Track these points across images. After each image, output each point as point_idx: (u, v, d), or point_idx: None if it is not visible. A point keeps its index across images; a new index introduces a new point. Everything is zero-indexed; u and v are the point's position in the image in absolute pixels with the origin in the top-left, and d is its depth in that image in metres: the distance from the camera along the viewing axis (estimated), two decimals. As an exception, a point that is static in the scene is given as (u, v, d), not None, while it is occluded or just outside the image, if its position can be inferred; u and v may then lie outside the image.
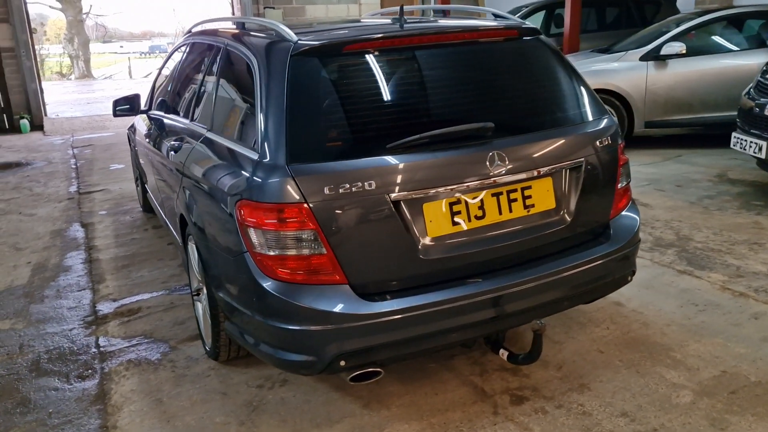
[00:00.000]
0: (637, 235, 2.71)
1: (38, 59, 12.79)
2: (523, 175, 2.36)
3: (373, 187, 2.12)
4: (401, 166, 2.19)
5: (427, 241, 2.24)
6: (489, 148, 2.29)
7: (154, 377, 2.89)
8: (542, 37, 2.74)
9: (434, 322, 2.23)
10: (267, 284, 2.15)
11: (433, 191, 2.22)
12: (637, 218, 2.75)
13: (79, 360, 3.09)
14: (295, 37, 2.39)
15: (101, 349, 3.19)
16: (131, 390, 2.80)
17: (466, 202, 2.29)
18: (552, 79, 2.69)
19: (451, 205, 2.27)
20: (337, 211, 2.10)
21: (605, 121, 2.65)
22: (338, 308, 2.12)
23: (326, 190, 2.09)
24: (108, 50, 46.97)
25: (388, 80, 2.38)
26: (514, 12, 10.20)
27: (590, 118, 2.63)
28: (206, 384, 2.79)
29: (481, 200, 2.32)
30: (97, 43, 44.37)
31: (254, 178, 2.16)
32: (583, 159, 2.50)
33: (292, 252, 2.12)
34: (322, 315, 2.11)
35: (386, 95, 2.36)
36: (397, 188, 2.16)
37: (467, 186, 2.26)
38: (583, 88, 2.71)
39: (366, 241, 2.16)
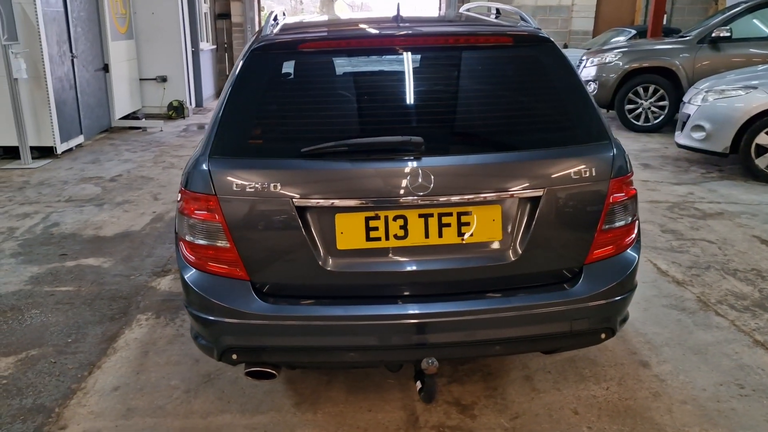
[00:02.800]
0: (622, 289, 2.27)
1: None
2: (457, 199, 2.13)
3: (278, 189, 2.10)
4: (312, 172, 2.13)
5: (335, 253, 2.15)
6: (415, 165, 2.11)
7: (159, 332, 3.21)
8: (548, 45, 2.39)
9: (329, 337, 2.16)
10: (184, 268, 2.27)
11: (347, 203, 2.11)
12: (630, 269, 2.30)
13: (122, 304, 3.54)
14: (270, 34, 2.43)
15: (144, 298, 3.61)
16: (134, 338, 3.15)
17: (386, 219, 2.15)
18: (536, 95, 2.35)
19: (367, 219, 2.14)
20: (242, 208, 2.13)
21: (596, 149, 2.26)
22: (231, 303, 2.16)
23: (234, 186, 2.12)
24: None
25: (330, 83, 2.31)
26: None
27: (576, 143, 2.26)
28: (189, 348, 3.02)
29: (405, 219, 2.15)
30: None
31: (189, 166, 2.28)
32: (543, 190, 2.16)
33: (201, 241, 2.20)
34: (217, 307, 2.16)
35: (321, 98, 2.29)
36: (303, 194, 2.10)
37: (387, 202, 2.11)
38: (581, 109, 2.32)
39: (269, 243, 2.15)
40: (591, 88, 8.85)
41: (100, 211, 5.24)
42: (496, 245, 2.20)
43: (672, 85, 8.42)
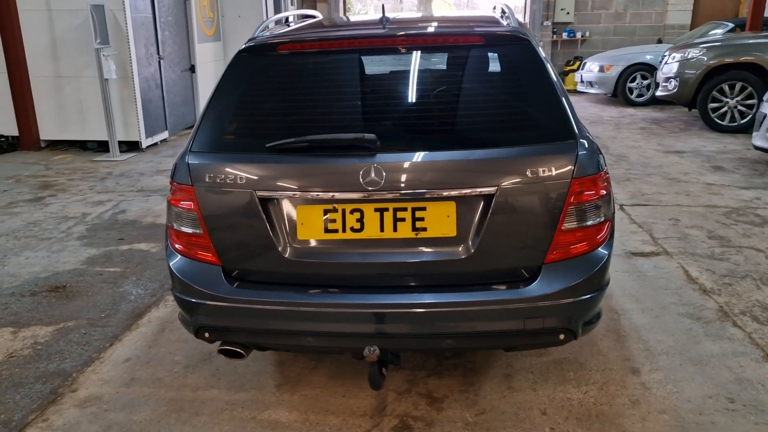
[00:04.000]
0: (583, 291, 2.24)
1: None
2: (410, 195, 2.20)
3: (244, 182, 2.26)
4: (274, 166, 2.27)
5: (295, 243, 2.29)
6: (369, 162, 2.20)
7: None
8: (522, 45, 2.39)
9: (286, 322, 2.29)
10: (169, 254, 2.49)
11: (306, 195, 2.24)
12: (593, 271, 2.26)
13: (156, 285, 3.86)
14: (258, 37, 2.60)
15: (175, 280, 3.92)
16: (157, 317, 3.45)
17: (344, 212, 2.25)
18: (502, 95, 2.36)
19: (326, 212, 2.26)
20: (213, 198, 2.31)
21: (557, 148, 2.24)
22: (203, 286, 2.34)
23: (207, 178, 2.31)
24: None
25: (302, 83, 2.43)
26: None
27: (537, 141, 2.25)
28: (201, 328, 3.26)
29: (361, 213, 2.24)
30: None
31: (176, 160, 2.49)
32: (496, 188, 2.18)
33: (182, 228, 2.40)
34: (190, 288, 2.36)
35: (291, 97, 2.42)
36: (266, 187, 2.25)
37: (343, 196, 2.22)
38: (548, 109, 2.30)
39: (236, 231, 2.32)
40: (671, 85, 8.41)
41: (163, 200, 5.68)
42: (450, 241, 2.24)
43: (762, 83, 7.83)
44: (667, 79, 8.53)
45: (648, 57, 10.65)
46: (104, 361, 3.02)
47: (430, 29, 2.47)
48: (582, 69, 11.47)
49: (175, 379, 2.84)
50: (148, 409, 2.62)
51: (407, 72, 2.42)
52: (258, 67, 2.49)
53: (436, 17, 3.19)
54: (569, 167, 2.22)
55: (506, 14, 2.76)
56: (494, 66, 2.44)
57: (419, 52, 2.43)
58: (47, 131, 7.99)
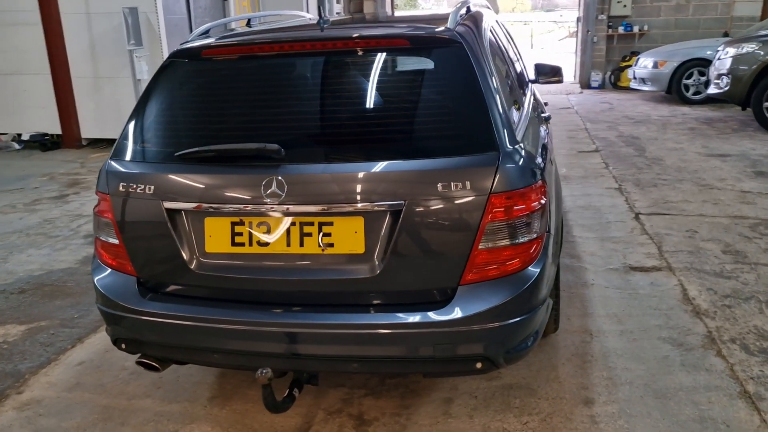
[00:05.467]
0: (502, 316, 2.05)
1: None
2: (313, 209, 2.07)
3: (152, 192, 2.20)
4: (181, 176, 2.19)
5: (203, 256, 2.21)
6: (271, 173, 2.09)
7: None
8: (451, 48, 2.21)
9: (193, 338, 2.22)
10: (93, 262, 2.47)
11: (213, 207, 2.16)
12: (516, 294, 2.06)
13: (137, 286, 3.89)
14: (191, 41, 2.53)
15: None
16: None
17: (251, 225, 2.15)
18: (421, 103, 2.18)
19: (233, 225, 2.17)
20: (126, 208, 2.26)
21: (474, 160, 2.05)
22: (116, 296, 2.31)
23: (120, 187, 2.27)
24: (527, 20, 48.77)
25: (219, 89, 2.34)
26: None
27: (454, 153, 2.07)
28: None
29: (268, 227, 2.14)
30: (539, 12, 46.76)
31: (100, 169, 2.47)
32: (403, 203, 2.02)
33: (101, 237, 2.37)
34: (105, 298, 2.33)
35: (207, 104, 2.34)
36: (172, 197, 2.18)
37: (249, 209, 2.12)
38: (472, 118, 2.12)
39: (147, 242, 2.26)
40: (723, 82, 7.82)
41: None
42: (357, 258, 2.10)
43: (825, 80, 7.16)
44: (719, 76, 7.94)
45: (708, 52, 9.94)
46: (59, 363, 3.05)
47: (355, 33, 2.33)
48: (635, 65, 10.89)
49: (117, 386, 2.83)
50: (80, 416, 2.62)
51: (324, 79, 2.29)
52: (181, 73, 2.43)
53: (385, 18, 3.05)
54: (487, 182, 2.03)
55: (462, 13, 2.57)
56: (417, 71, 2.27)
57: (340, 57, 2.30)
58: (88, 130, 8.30)
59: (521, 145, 2.21)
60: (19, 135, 8.39)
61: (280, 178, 2.08)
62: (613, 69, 12.71)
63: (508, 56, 3.44)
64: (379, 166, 2.07)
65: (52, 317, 3.52)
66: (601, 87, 12.67)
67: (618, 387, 2.61)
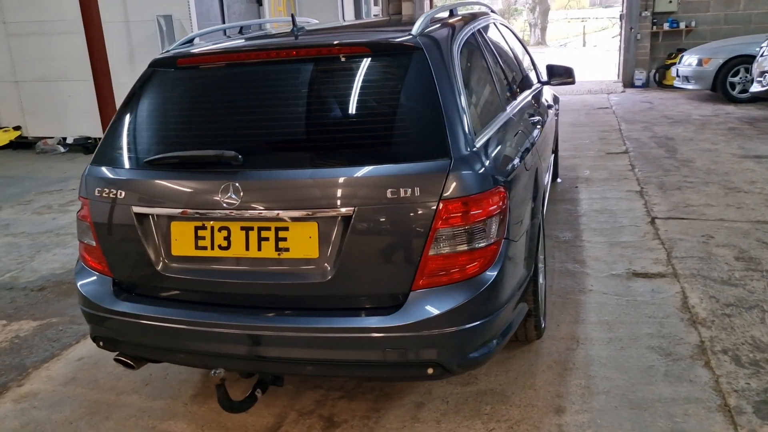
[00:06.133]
0: (455, 321, 2.05)
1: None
2: (268, 214, 2.13)
3: (122, 196, 2.30)
4: (149, 182, 2.29)
5: (169, 258, 2.29)
6: (229, 179, 2.15)
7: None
8: (412, 55, 2.22)
9: (160, 337, 2.30)
10: (77, 264, 2.60)
11: (177, 212, 2.24)
12: (468, 300, 2.06)
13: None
14: (172, 50, 2.63)
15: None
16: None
17: (212, 230, 2.22)
18: (377, 109, 2.20)
19: (196, 229, 2.24)
20: (101, 211, 2.37)
21: (425, 166, 2.05)
22: (91, 296, 2.42)
23: (96, 192, 2.38)
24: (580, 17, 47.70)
25: (190, 96, 2.42)
26: None
27: (406, 159, 2.08)
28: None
29: (228, 231, 2.20)
30: (597, 8, 45.71)
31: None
32: (353, 209, 2.05)
33: (82, 240, 2.49)
34: (82, 298, 2.45)
35: (178, 111, 2.42)
36: (139, 202, 2.28)
37: (209, 214, 2.19)
38: (426, 125, 2.13)
39: (120, 245, 2.37)
40: (766, 80, 7.48)
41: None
42: (312, 263, 2.14)
43: None
44: (762, 74, 7.60)
45: (756, 49, 9.52)
46: (61, 358, 3.20)
47: (320, 41, 2.38)
48: (679, 63, 10.52)
49: (109, 381, 2.96)
50: (70, 409, 2.75)
51: (284, 87, 2.34)
52: (157, 81, 2.52)
53: (355, 24, 3.07)
54: (437, 188, 2.04)
55: (433, 18, 2.56)
56: (377, 78, 2.29)
57: (301, 65, 2.34)
58: (127, 134, 8.61)
59: (480, 150, 2.20)
60: (64, 139, 8.79)
61: (236, 184, 2.14)
62: (657, 67, 12.32)
63: (504, 60, 3.42)
64: (331, 173, 2.11)
65: (63, 314, 3.70)
66: (645, 86, 12.30)
67: (594, 396, 2.56)
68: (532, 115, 3.25)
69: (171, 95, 2.49)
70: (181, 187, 2.24)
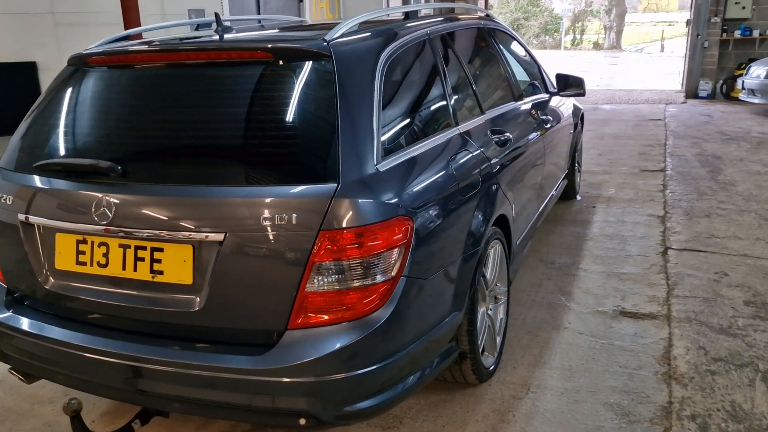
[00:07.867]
0: (335, 368, 1.81)
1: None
2: (140, 233, 1.94)
3: (11, 203, 2.17)
4: (33, 189, 2.15)
5: (53, 272, 2.14)
6: (104, 192, 1.98)
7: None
8: (317, 63, 1.98)
9: (37, 355, 2.16)
10: None
11: (58, 223, 2.08)
12: (353, 343, 1.80)
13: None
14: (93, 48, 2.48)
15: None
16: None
17: (92, 245, 2.05)
18: (265, 124, 1.97)
19: (78, 243, 2.08)
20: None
21: (306, 191, 1.81)
22: (-16, 304, 2.30)
23: None
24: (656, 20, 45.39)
25: (90, 99, 2.26)
26: None
27: (287, 182, 1.84)
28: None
29: (107, 247, 2.03)
30: (685, 12, 43.63)
31: None
32: (223, 234, 1.83)
33: (-16, 245, 2.38)
34: (-22, 304, 2.33)
35: (76, 114, 2.25)
36: (25, 210, 2.13)
37: (86, 228, 2.02)
38: (316, 144, 1.89)
39: (9, 253, 2.24)
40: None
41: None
42: (185, 290, 1.94)
43: None
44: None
45: (834, 61, 8.67)
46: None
47: (224, 43, 2.16)
48: (746, 74, 9.71)
49: (32, 388, 2.84)
50: (-19, 415, 2.66)
51: (175, 94, 2.14)
52: (68, 81, 2.37)
53: (288, 26, 2.84)
54: (317, 216, 1.79)
55: (361, 21, 2.30)
56: (275, 88, 2.04)
57: (196, 70, 2.13)
58: (160, 126, 8.70)
59: (386, 174, 1.94)
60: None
61: (109, 198, 1.96)
62: (725, 78, 11.45)
63: (477, 71, 3.11)
64: (206, 191, 1.90)
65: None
66: (710, 97, 11.46)
67: (522, 459, 2.25)
68: (500, 132, 2.91)
69: (78, 97, 2.33)
70: (61, 197, 2.09)
